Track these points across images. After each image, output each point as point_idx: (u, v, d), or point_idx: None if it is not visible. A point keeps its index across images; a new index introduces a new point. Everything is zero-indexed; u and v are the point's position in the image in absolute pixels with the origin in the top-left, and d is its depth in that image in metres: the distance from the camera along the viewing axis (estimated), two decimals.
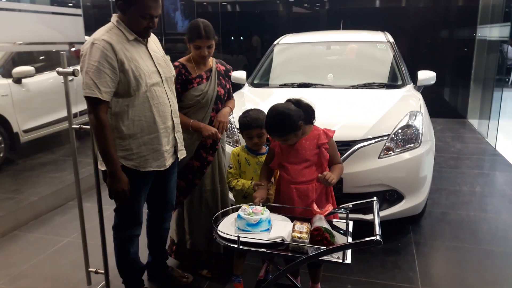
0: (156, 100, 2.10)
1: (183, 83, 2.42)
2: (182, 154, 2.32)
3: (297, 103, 2.13)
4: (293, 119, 2.04)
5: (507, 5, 5.88)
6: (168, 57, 2.27)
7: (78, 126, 2.35)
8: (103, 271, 2.46)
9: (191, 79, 2.44)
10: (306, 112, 2.12)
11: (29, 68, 4.76)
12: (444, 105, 7.68)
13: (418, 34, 7.52)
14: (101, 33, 1.98)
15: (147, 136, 2.09)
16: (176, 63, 2.45)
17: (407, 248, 2.98)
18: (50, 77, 5.08)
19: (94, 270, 2.50)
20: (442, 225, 3.33)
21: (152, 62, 2.12)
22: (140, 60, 2.04)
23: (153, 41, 2.22)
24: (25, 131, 4.80)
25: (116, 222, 2.28)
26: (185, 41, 2.46)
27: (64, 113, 2.35)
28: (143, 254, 2.52)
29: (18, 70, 4.68)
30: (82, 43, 2.13)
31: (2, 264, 2.89)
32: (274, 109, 2.10)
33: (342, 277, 2.63)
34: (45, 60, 5.26)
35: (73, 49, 2.41)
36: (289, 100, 2.16)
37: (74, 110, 2.41)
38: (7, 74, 4.67)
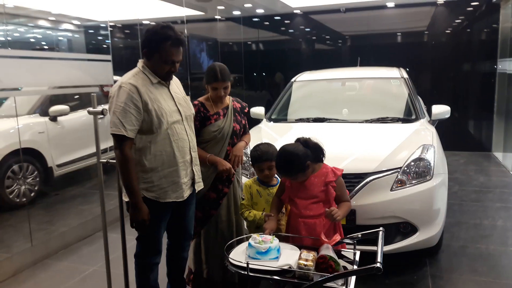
0: (176, 136, 2.29)
1: (202, 120, 2.62)
2: (199, 186, 2.47)
3: (305, 143, 2.25)
4: (301, 159, 2.16)
5: None
6: (188, 98, 2.48)
7: (105, 161, 2.56)
8: None
9: (209, 116, 2.64)
10: (314, 151, 2.24)
11: (64, 107, 5.10)
12: (469, 138, 7.64)
13: (440, 68, 7.62)
14: (128, 77, 2.21)
15: (167, 169, 2.27)
16: (196, 102, 2.66)
17: (423, 281, 2.98)
18: (82, 115, 5.41)
19: None
20: (460, 259, 3.31)
21: (174, 102, 2.33)
22: (163, 101, 2.25)
23: (175, 83, 2.44)
24: (59, 166, 5.09)
25: (138, 250, 2.43)
26: (203, 83, 2.68)
27: (94, 149, 2.57)
28: (163, 282, 2.63)
29: (54, 109, 5.02)
30: (111, 85, 2.37)
31: None
32: (283, 150, 2.24)
33: None
34: (78, 99, 5.62)
35: (105, 89, 2.66)
36: (298, 140, 2.28)
37: (105, 145, 2.62)
38: (44, 113, 5.04)
